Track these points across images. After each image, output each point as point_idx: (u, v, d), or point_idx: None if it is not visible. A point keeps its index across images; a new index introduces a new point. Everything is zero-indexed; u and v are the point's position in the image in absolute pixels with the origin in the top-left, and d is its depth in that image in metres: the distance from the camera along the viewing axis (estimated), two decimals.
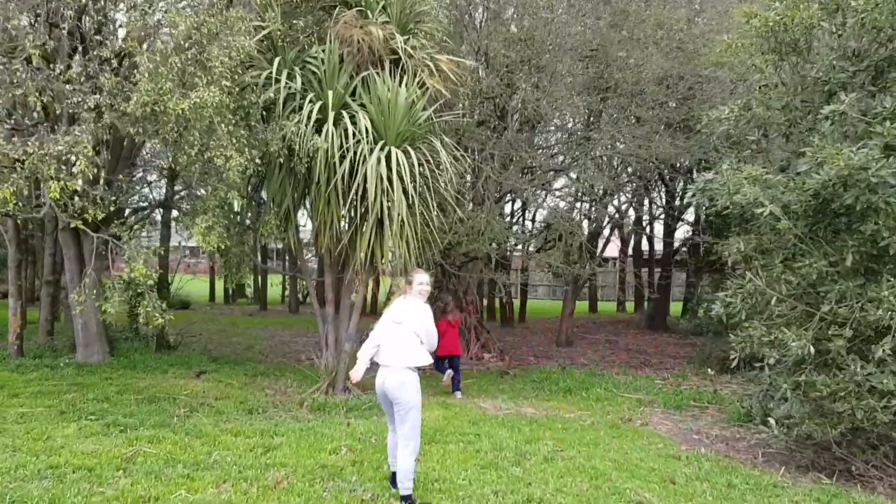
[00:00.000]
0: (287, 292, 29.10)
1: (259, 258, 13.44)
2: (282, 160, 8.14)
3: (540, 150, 11.64)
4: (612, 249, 38.71)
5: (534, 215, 22.39)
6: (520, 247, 23.02)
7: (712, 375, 10.04)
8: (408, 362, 5.19)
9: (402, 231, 8.28)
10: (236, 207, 8.82)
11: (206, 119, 6.96)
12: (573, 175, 11.80)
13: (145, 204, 14.69)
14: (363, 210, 8.26)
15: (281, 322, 20.23)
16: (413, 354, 5.22)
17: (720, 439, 7.99)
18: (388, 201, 8.17)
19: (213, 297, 29.99)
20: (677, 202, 19.25)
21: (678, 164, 12.94)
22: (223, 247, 7.47)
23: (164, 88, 6.82)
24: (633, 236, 26.62)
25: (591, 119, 11.33)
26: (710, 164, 12.99)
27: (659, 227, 28.15)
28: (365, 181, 8.06)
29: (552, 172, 12.18)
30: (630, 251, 24.92)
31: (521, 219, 20.70)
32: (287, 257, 26.85)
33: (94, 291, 8.75)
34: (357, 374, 5.37)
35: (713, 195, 7.07)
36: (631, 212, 23.13)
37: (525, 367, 12.80)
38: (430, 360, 5.34)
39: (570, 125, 11.99)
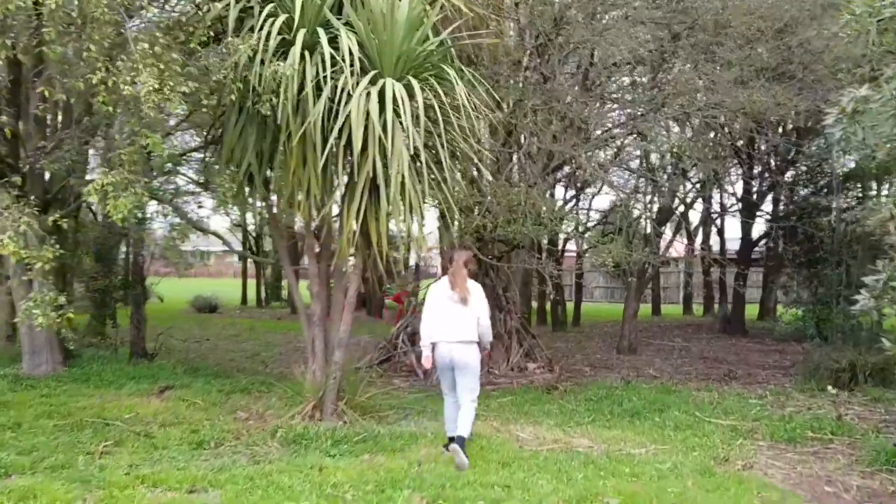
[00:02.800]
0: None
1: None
2: (234, 97, 5.88)
3: (596, 105, 9.13)
4: (675, 250, 35.95)
5: (590, 202, 19.90)
6: (572, 242, 20.58)
7: (835, 396, 7.42)
8: (473, 336, 5.89)
9: (403, 198, 5.95)
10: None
11: (109, 24, 4.76)
12: (638, 138, 9.27)
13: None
14: (350, 168, 5.96)
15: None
16: (475, 329, 5.90)
17: (866, 493, 5.44)
18: (381, 156, 5.85)
19: (245, 300, 28.14)
20: (756, 186, 16.44)
21: (777, 122, 10.27)
22: (139, 216, 5.26)
23: None
24: (700, 231, 23.95)
25: (664, 61, 8.78)
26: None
27: (730, 222, 25.36)
28: (350, 126, 5.76)
29: (612, 133, 9.67)
30: (698, 248, 22.11)
31: (575, 206, 18.19)
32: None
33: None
34: (428, 361, 6.00)
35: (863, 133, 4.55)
36: (699, 204, 20.53)
37: (579, 380, 10.32)
38: (490, 337, 6.20)
39: (634, 71, 9.42)
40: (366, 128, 5.82)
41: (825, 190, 14.71)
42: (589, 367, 11.74)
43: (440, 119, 5.95)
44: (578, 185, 18.59)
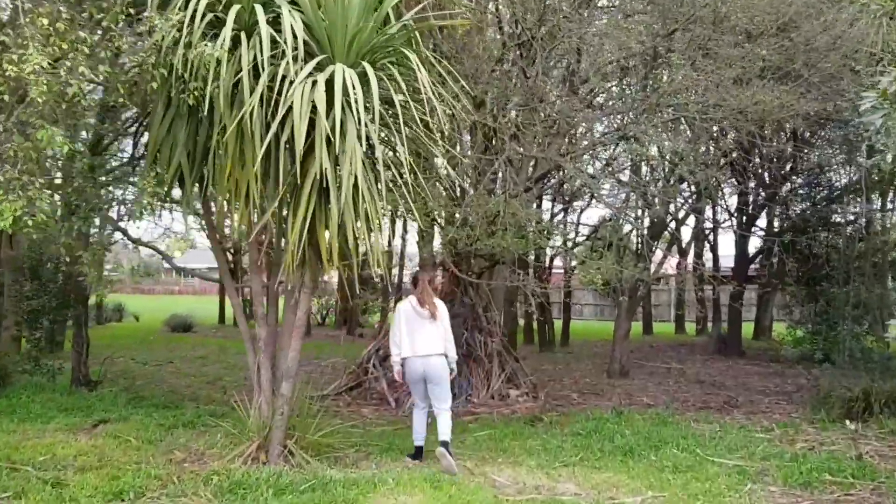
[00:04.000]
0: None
1: None
2: (157, 84, 4.99)
3: (584, 107, 8.26)
4: (668, 267, 35.13)
5: (578, 217, 19.09)
6: (558, 259, 19.72)
7: (853, 432, 6.54)
8: (443, 349, 6.32)
9: (357, 203, 5.06)
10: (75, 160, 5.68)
11: None
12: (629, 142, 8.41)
13: None
14: (294, 168, 5.07)
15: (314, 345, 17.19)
16: (444, 343, 6.36)
17: None
18: (331, 155, 4.97)
19: (222, 319, 27.08)
20: (752, 197, 15.64)
21: (779, 127, 9.46)
22: (35, 223, 4.34)
23: None
24: (692, 247, 23.17)
25: (657, 56, 7.92)
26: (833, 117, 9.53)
27: (722, 239, 24.56)
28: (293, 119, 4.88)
29: (601, 139, 8.82)
30: (690, 264, 21.29)
31: (563, 220, 17.40)
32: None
33: None
34: (399, 375, 6.50)
35: None
36: (691, 219, 19.77)
37: (566, 408, 9.40)
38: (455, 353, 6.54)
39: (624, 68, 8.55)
40: (312, 122, 4.95)
41: (826, 202, 13.96)
42: (577, 393, 10.84)
43: (400, 113, 5.08)
44: (566, 197, 17.83)
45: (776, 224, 16.69)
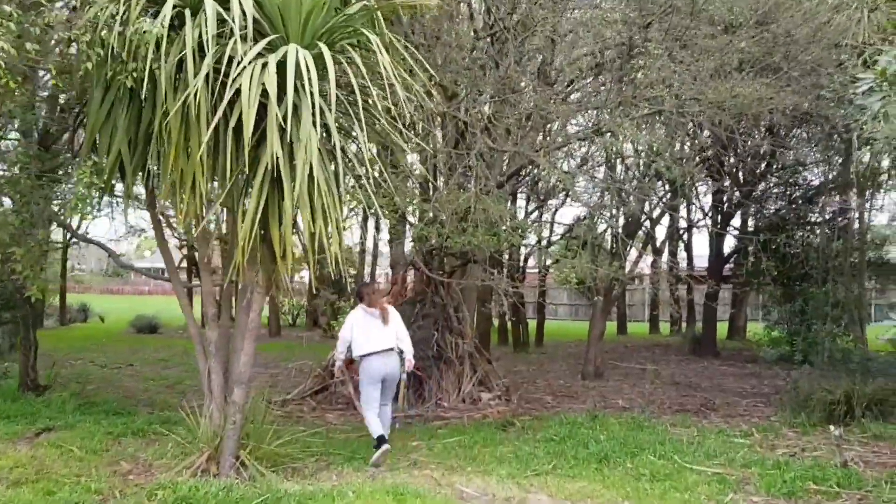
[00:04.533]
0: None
1: None
2: (92, 65, 4.57)
3: (559, 98, 7.93)
4: (643, 266, 34.96)
5: (553, 215, 18.81)
6: (534, 257, 19.41)
7: (838, 438, 6.26)
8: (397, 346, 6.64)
9: (312, 196, 4.68)
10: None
11: None
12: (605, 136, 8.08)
13: None
14: (242, 157, 4.66)
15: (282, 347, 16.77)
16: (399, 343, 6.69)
17: None
18: (284, 143, 4.58)
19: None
20: (728, 195, 15.43)
21: (756, 122, 9.20)
22: None
23: None
24: (667, 246, 23.02)
25: (633, 47, 7.60)
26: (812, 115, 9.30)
27: (697, 238, 24.47)
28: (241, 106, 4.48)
29: (577, 134, 8.48)
30: (665, 264, 21.11)
31: (538, 219, 17.12)
32: None
33: None
34: (339, 372, 7.35)
35: None
36: (665, 219, 19.60)
37: (539, 412, 9.08)
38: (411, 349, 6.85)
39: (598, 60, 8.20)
40: (265, 107, 4.56)
41: (802, 201, 13.80)
42: (551, 395, 10.52)
43: (359, 100, 4.70)
44: (541, 196, 17.57)
45: (752, 223, 16.54)
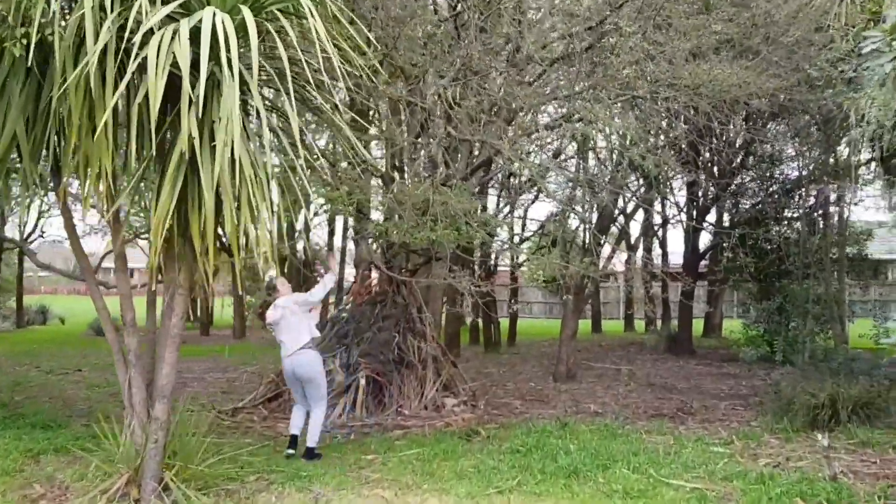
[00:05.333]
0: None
1: None
2: None
3: (526, 80, 7.36)
4: (617, 263, 34.55)
5: (525, 211, 18.34)
6: (504, 257, 18.87)
7: (825, 449, 5.76)
8: (301, 342, 6.43)
9: (235, 183, 4.07)
10: None
11: None
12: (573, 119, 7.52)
13: None
14: (156, 138, 4.02)
15: (215, 351, 15.99)
16: (302, 333, 6.46)
17: None
18: (199, 122, 3.96)
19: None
20: (703, 188, 14.99)
21: (735, 108, 8.70)
22: None
23: None
24: (641, 242, 22.61)
25: (603, 21, 7.02)
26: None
27: (672, 235, 24.12)
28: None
29: (547, 121, 7.92)
30: (639, 260, 20.67)
31: (509, 215, 16.61)
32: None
33: None
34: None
35: None
36: (640, 215, 19.19)
37: (507, 418, 8.52)
38: (316, 333, 6.69)
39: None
40: (174, 79, 3.94)
41: (780, 194, 13.38)
42: (520, 399, 9.97)
43: (288, 74, 4.09)
44: (512, 191, 17.07)
45: (728, 218, 16.13)
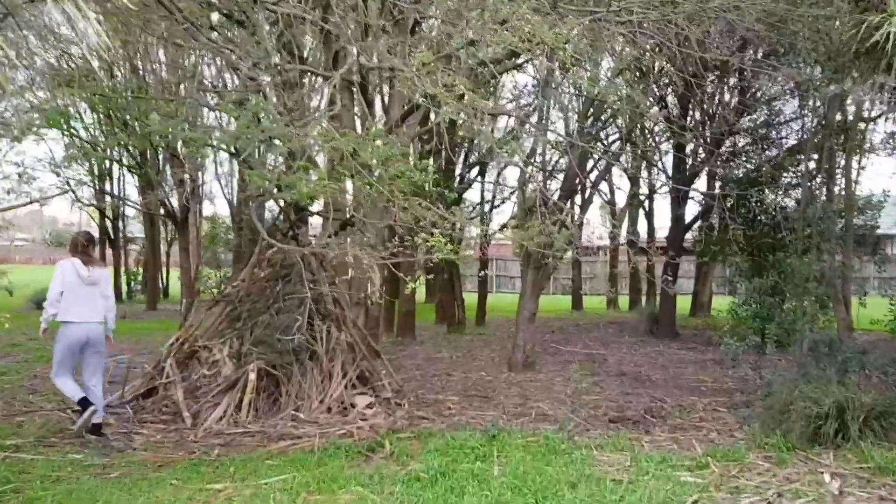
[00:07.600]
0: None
1: None
2: None
3: None
4: (599, 240, 32.82)
5: (497, 175, 16.65)
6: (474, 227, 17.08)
7: (835, 497, 4.07)
8: (102, 317, 6.18)
9: None
10: None
11: None
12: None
13: None
14: None
15: (158, 328, 14.40)
16: (105, 312, 6.23)
17: None
18: None
19: (166, 294, 23.78)
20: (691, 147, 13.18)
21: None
22: None
23: None
24: (626, 215, 20.92)
25: None
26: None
27: (659, 206, 22.42)
28: None
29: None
30: (623, 235, 18.91)
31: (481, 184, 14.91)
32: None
33: None
34: (44, 333, 6.20)
35: None
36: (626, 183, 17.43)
37: (430, 424, 6.79)
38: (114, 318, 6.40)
39: None
40: None
41: (775, 158, 11.61)
42: (459, 395, 8.26)
43: None
44: (478, 153, 15.39)
45: (718, 186, 14.37)
